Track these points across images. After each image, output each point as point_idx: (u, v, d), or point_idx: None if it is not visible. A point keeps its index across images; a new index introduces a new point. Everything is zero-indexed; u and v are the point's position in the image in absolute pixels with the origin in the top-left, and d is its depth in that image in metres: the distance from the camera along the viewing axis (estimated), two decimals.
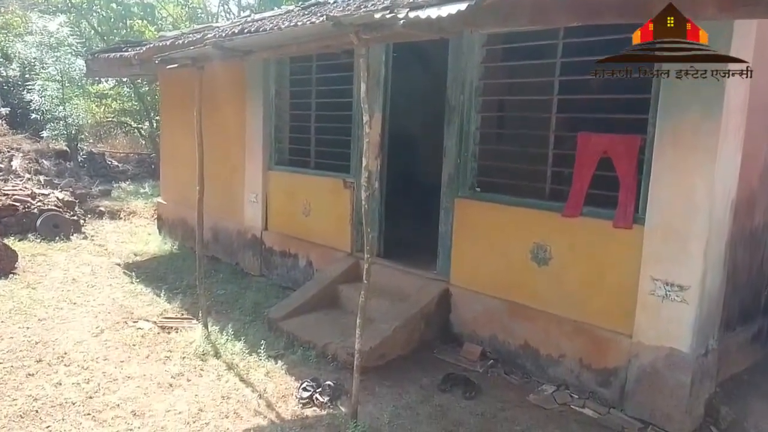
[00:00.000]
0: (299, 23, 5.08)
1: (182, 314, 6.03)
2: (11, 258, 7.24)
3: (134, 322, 5.76)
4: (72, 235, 9.15)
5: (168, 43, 6.59)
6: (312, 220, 6.98)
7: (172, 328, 5.60)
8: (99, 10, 18.72)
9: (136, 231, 10.30)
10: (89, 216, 10.78)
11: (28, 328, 5.48)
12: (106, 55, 8.62)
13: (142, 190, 14.00)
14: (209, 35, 6.23)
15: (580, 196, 4.43)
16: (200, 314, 5.46)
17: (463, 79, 5.26)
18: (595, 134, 4.36)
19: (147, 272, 7.59)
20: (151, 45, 7.53)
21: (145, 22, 18.81)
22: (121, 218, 11.27)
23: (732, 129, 3.83)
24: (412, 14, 3.51)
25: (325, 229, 6.81)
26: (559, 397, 4.45)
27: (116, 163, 17.14)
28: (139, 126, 18.60)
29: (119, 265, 7.93)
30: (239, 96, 7.67)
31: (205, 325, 5.40)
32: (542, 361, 4.74)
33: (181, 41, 6.38)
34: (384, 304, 5.47)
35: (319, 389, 4.33)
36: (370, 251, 3.94)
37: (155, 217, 10.46)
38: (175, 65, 5.32)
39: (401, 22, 3.46)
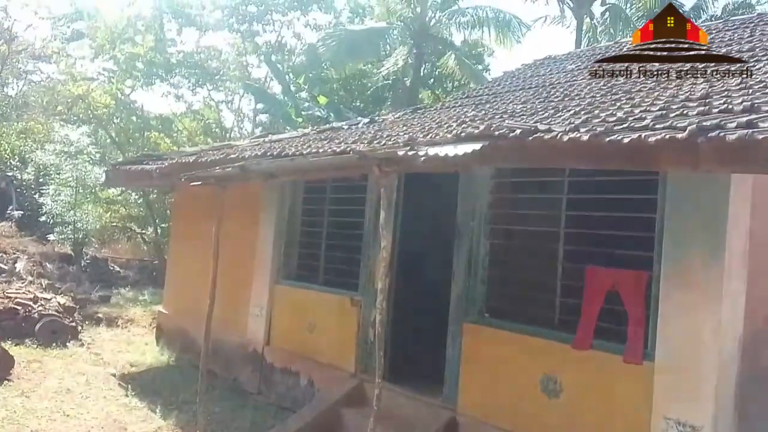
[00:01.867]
0: (320, 150, 5.40)
1: None
2: (7, 364, 7.11)
3: None
4: (69, 341, 9.01)
5: (191, 160, 6.93)
6: (316, 337, 6.93)
7: None
8: (117, 122, 19.71)
9: (133, 340, 10.15)
10: (87, 322, 10.66)
11: None
12: (128, 167, 8.98)
13: (141, 297, 13.92)
14: (231, 155, 6.58)
15: (590, 329, 4.46)
16: None
17: (473, 207, 5.48)
18: (603, 269, 4.47)
19: (142, 384, 7.40)
20: (174, 160, 7.88)
21: (161, 134, 19.73)
22: (118, 326, 11.14)
23: (735, 268, 3.96)
24: (431, 152, 3.79)
25: (329, 346, 6.74)
26: None
27: (118, 269, 17.18)
28: (143, 232, 18.88)
29: (114, 375, 7.76)
30: (253, 211, 7.90)
31: None
32: None
33: (204, 159, 6.71)
34: None
35: None
36: (379, 375, 3.93)
37: (154, 326, 10.35)
38: (199, 183, 5.58)
39: (422, 159, 3.72)
